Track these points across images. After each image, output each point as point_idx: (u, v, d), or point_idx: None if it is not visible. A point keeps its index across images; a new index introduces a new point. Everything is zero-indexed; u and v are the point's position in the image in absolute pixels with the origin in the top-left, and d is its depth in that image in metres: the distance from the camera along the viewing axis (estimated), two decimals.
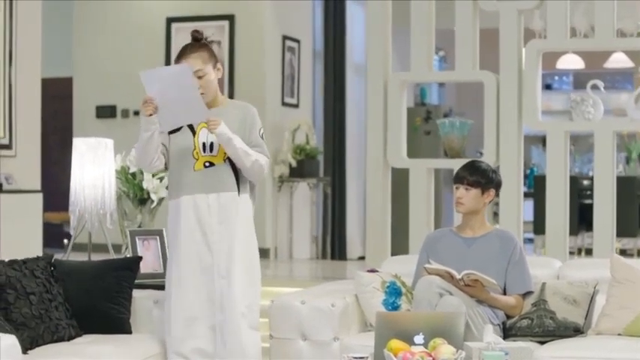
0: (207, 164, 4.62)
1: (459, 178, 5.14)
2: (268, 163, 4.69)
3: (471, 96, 14.07)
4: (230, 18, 10.25)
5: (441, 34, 7.53)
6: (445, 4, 7.49)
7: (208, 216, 4.61)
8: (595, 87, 7.11)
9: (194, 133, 4.63)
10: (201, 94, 4.51)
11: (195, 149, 4.63)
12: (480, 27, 7.41)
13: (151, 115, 4.49)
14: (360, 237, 11.37)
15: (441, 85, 13.89)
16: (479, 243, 5.10)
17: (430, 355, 3.91)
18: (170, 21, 10.43)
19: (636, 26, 7.09)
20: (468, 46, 7.32)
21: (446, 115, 12.75)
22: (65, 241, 11.46)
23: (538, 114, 7.20)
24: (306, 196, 10.73)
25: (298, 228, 10.65)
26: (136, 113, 10.57)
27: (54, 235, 9.99)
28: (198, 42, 4.67)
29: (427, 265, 4.95)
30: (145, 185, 5.63)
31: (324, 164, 10.86)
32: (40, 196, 7.97)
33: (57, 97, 11.13)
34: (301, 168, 10.23)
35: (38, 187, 8.18)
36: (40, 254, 7.55)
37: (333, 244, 10.92)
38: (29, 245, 7.62)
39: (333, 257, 10.86)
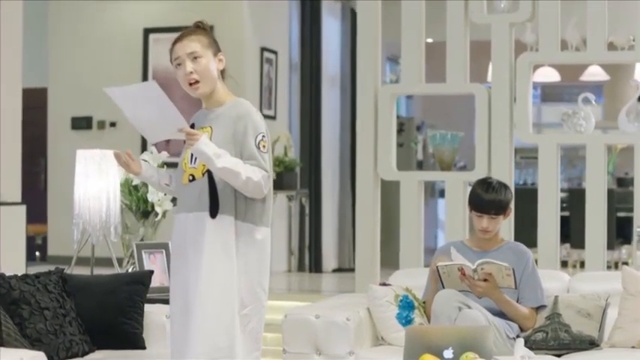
0: (191, 178, 4.00)
1: (483, 209, 5.12)
2: (267, 177, 3.92)
3: (440, 107, 14.12)
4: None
5: None
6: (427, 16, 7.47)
7: (184, 239, 3.97)
8: (586, 100, 7.14)
9: None
10: (197, 82, 3.96)
11: (184, 159, 4.04)
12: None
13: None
14: (334, 250, 11.34)
15: (409, 96, 13.92)
16: (492, 256, 5.07)
17: None
18: (147, 32, 10.32)
19: (627, 39, 7.13)
20: (459, 59, 7.31)
21: (418, 128, 12.78)
22: (37, 253, 11.31)
23: (529, 127, 7.21)
24: (283, 208, 10.68)
25: (276, 240, 10.57)
26: (112, 125, 10.47)
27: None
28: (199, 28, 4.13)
29: (440, 263, 4.94)
30: (149, 198, 5.55)
31: (300, 176, 10.81)
32: (23, 209, 7.81)
33: (30, 108, 10.95)
34: (280, 180, 10.16)
35: (19, 199, 8.04)
36: (24, 268, 7.47)
37: (310, 256, 10.88)
38: (11, 258, 7.47)
39: (310, 270, 10.81)
